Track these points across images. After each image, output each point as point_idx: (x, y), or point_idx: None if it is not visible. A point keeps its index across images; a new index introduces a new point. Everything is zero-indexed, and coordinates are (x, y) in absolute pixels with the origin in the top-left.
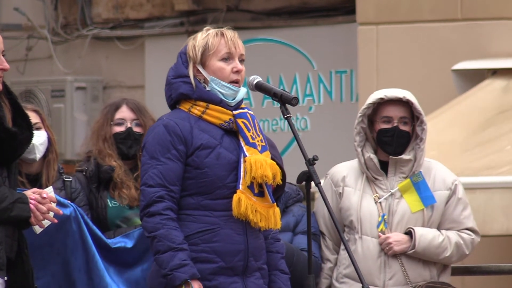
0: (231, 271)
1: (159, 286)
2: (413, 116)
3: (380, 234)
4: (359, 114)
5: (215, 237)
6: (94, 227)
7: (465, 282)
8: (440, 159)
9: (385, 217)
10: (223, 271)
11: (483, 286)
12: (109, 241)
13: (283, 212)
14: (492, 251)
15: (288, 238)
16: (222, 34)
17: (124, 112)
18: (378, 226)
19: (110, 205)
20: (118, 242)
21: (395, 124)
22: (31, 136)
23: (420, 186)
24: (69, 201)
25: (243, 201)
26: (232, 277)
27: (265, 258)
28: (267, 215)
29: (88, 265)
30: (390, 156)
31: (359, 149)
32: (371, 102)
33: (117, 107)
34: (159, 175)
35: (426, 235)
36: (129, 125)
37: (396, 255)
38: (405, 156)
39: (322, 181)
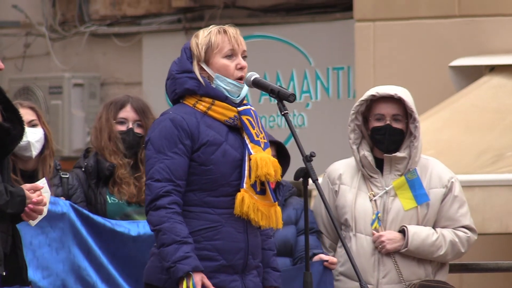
0: (231, 269)
1: (159, 283)
2: (407, 113)
3: (374, 232)
4: (352, 111)
5: (217, 234)
6: (94, 217)
7: (463, 279)
8: (438, 157)
9: (379, 215)
10: (224, 269)
11: (481, 283)
12: (112, 222)
13: (283, 205)
14: (490, 248)
15: (292, 231)
16: (225, 31)
17: (127, 112)
18: (372, 224)
19: (109, 201)
20: (122, 226)
21: (387, 122)
22: (23, 130)
23: (414, 184)
24: (60, 198)
25: (247, 200)
26: (232, 275)
27: (261, 256)
28: (268, 214)
29: (85, 262)
30: (385, 154)
31: (354, 147)
32: (363, 99)
33: (121, 106)
34: (166, 170)
35: (420, 233)
36: (130, 126)
37: (389, 253)
38: (399, 154)
39: (319, 178)
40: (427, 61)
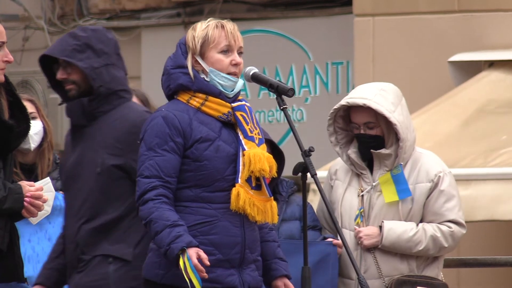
0: (228, 264)
1: (156, 278)
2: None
3: (356, 227)
4: (328, 117)
5: (213, 229)
6: None
7: (460, 274)
8: (435, 150)
9: (362, 210)
10: (220, 263)
11: (478, 278)
12: None
13: (286, 202)
14: (488, 243)
15: (297, 226)
16: (222, 26)
17: None
18: (355, 220)
19: None
20: None
21: (361, 131)
22: (28, 128)
23: (398, 179)
24: (59, 192)
25: (242, 195)
26: (229, 270)
27: (259, 250)
28: (264, 209)
29: None
30: (372, 150)
31: (337, 148)
32: (336, 107)
33: None
34: (155, 166)
35: (396, 229)
36: None
37: (370, 249)
38: (384, 151)
39: (318, 173)
40: (426, 56)
